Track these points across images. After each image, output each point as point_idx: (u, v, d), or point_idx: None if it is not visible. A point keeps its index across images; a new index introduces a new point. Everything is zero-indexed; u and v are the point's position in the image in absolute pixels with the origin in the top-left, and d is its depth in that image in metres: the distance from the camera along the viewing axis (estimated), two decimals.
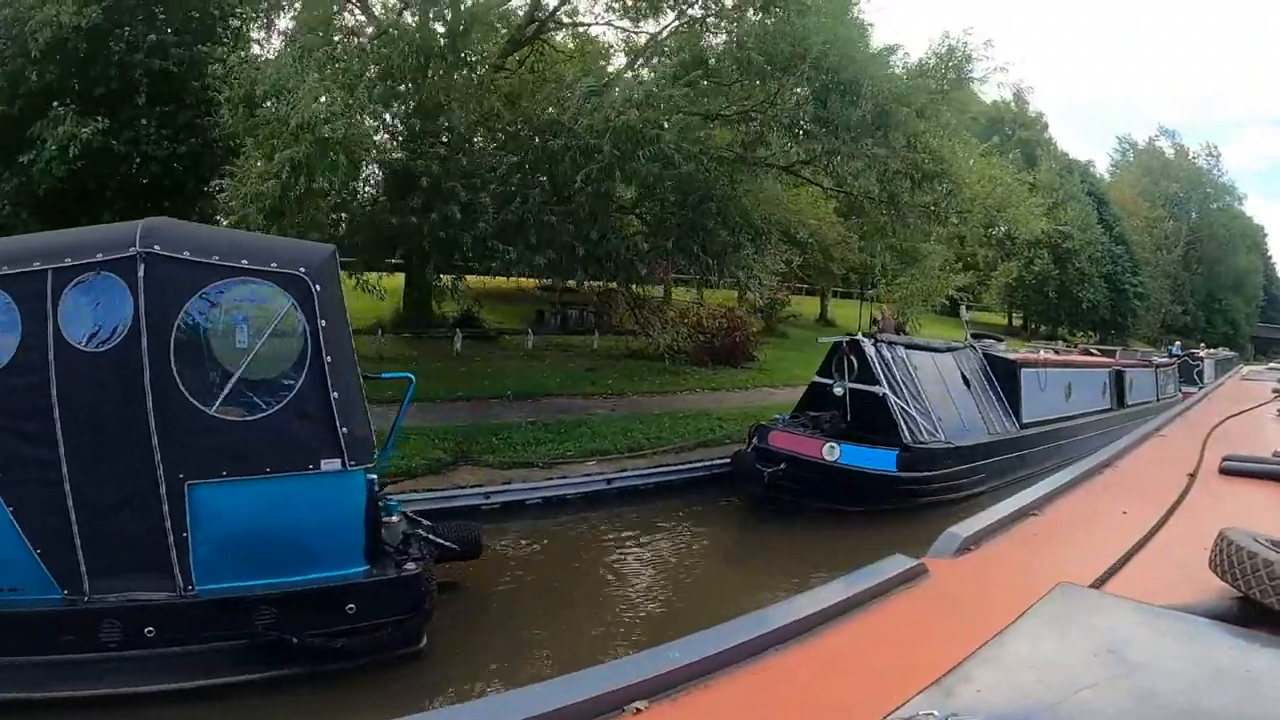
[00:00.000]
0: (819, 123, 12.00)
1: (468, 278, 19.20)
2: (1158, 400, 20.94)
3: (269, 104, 11.02)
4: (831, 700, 1.52)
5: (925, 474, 10.56)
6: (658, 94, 11.62)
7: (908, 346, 11.66)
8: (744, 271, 13.94)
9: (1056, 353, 18.50)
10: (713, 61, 13.51)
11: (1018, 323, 48.49)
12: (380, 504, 6.65)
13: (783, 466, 10.31)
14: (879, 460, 10.26)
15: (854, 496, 10.22)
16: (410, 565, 6.05)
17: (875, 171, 12.49)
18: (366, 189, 13.25)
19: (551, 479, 10.96)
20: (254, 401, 5.56)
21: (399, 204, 13.95)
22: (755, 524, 10.87)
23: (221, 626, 5.29)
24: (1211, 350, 37.20)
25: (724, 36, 13.76)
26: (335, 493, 5.73)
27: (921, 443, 10.63)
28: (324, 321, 5.67)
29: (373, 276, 16.87)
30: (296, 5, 16.31)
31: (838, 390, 11.11)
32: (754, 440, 10.90)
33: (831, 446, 10.27)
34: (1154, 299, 49.94)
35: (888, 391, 10.63)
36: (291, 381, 5.62)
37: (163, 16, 16.79)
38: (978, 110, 47.96)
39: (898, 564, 2.08)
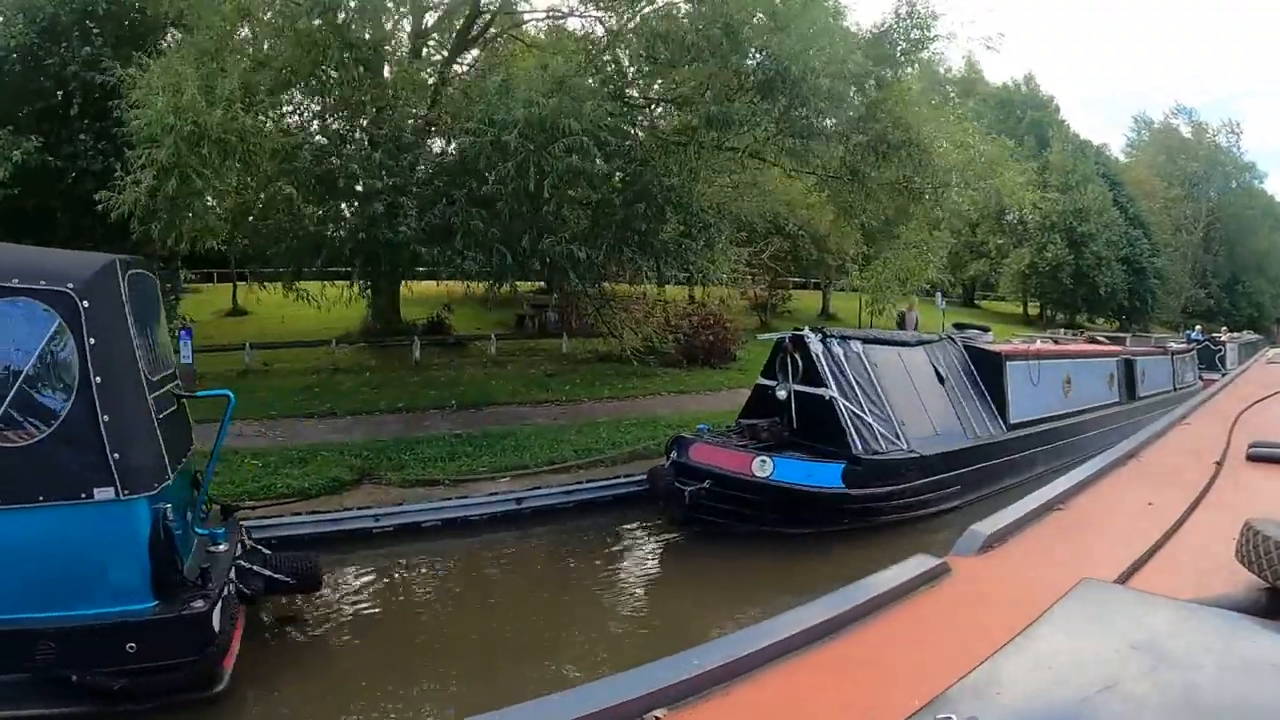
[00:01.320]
0: (765, 100, 10.39)
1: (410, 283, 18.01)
2: (1174, 390, 18.88)
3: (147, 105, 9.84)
4: (854, 703, 1.46)
5: (881, 489, 8.85)
6: (571, 81, 10.20)
7: (866, 341, 9.94)
8: (691, 268, 12.30)
9: (1056, 342, 16.66)
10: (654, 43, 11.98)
11: (1034, 311, 45.85)
12: (211, 532, 6.29)
13: (706, 484, 8.65)
14: (822, 475, 8.57)
15: (792, 518, 8.58)
16: (198, 602, 5.36)
17: (836, 145, 10.78)
18: (285, 190, 11.78)
19: (450, 499, 9.64)
20: (25, 427, 5.13)
21: (317, 208, 12.63)
22: (682, 549, 9.31)
23: (3, 660, 5.01)
24: (1234, 334, 34.75)
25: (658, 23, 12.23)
26: (111, 523, 5.27)
27: (877, 453, 8.91)
28: (93, 340, 5.19)
29: (314, 285, 15.74)
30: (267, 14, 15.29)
31: (780, 394, 9.45)
32: (672, 454, 9.22)
33: (763, 461, 8.61)
34: (1174, 282, 46.88)
35: (835, 394, 8.95)
36: (61, 406, 5.17)
37: (98, 31, 15.79)
38: (986, 93, 45.72)
39: (920, 564, 1.97)
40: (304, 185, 12.15)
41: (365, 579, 8.26)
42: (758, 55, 10.10)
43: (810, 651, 1.56)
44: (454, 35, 17.30)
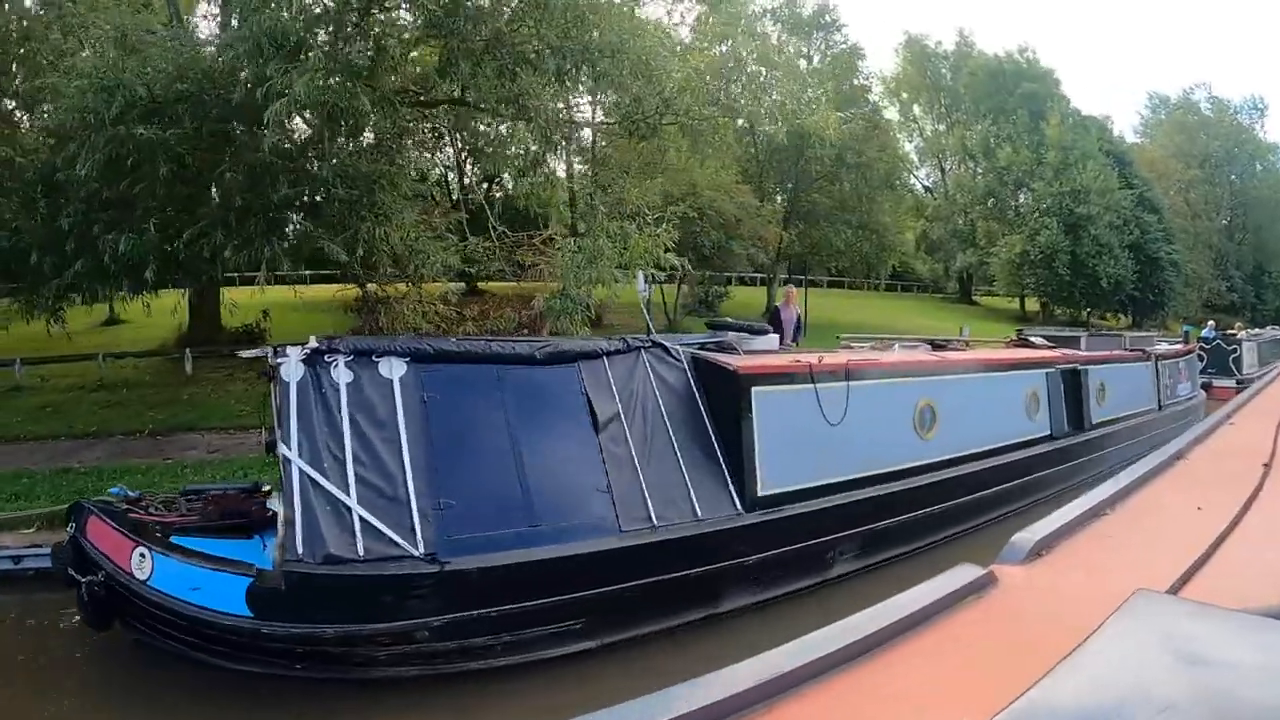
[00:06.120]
0: None
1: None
2: (1159, 408, 12.74)
3: None
4: None
5: (336, 628, 4.69)
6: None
7: (418, 359, 5.55)
8: (343, 250, 8.46)
9: (938, 346, 10.94)
10: None
11: (1034, 307, 39.34)
12: None
13: (101, 578, 4.95)
14: (215, 592, 4.60)
15: (195, 644, 4.83)
16: None
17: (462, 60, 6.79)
18: None
19: None
20: None
21: None
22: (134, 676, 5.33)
23: None
24: (1256, 330, 28.38)
25: None
26: None
27: (332, 559, 4.68)
28: None
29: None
30: None
31: (266, 444, 5.46)
32: (70, 527, 5.34)
33: (142, 555, 4.83)
34: (1193, 273, 39.68)
35: (291, 454, 4.87)
36: None
37: None
38: (976, 65, 39.75)
39: (964, 574, 1.77)
40: None
41: None
42: None
43: (850, 669, 1.38)
44: None
